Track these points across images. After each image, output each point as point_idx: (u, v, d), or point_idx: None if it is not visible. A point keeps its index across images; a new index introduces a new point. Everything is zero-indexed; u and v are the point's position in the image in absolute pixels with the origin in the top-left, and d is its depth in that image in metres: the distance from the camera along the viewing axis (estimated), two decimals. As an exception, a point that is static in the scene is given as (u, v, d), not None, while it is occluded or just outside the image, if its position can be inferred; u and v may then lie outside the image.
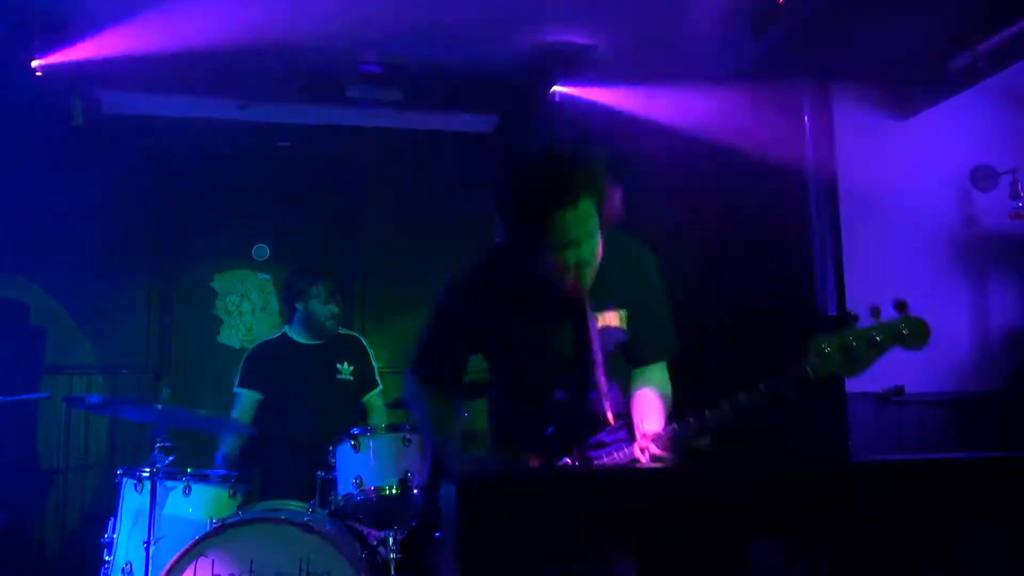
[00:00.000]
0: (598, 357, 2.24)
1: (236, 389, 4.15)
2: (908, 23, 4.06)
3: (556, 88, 5.02)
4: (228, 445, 4.04)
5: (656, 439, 2.15)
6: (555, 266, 2.13)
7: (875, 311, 1.98)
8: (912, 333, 1.98)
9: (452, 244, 5.49)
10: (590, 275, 2.18)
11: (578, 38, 4.79)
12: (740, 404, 2.04)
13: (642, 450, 2.16)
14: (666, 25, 4.55)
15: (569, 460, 2.29)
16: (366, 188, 5.54)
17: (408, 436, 3.39)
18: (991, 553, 1.58)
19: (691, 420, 2.11)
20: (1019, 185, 4.53)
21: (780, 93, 4.59)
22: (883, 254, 4.38)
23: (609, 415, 2.26)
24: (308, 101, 5.18)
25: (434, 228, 5.50)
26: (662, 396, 2.32)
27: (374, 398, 4.27)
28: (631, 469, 1.32)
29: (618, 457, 2.24)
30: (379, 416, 4.21)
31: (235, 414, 4.13)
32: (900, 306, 1.96)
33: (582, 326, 2.25)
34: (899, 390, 4.17)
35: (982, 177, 4.69)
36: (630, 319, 2.31)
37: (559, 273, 2.14)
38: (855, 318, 2.00)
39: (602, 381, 2.25)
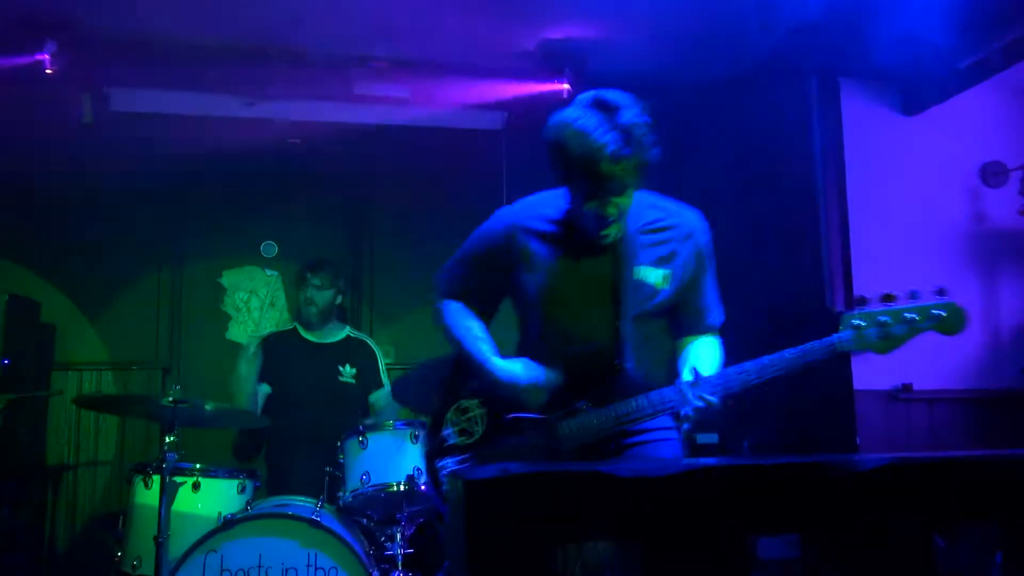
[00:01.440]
0: (626, 307, 2.24)
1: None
2: (919, 18, 4.04)
3: (566, 84, 5.01)
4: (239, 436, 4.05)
5: (704, 382, 2.12)
6: (599, 217, 2.17)
7: (913, 294, 1.98)
8: (949, 317, 1.97)
9: (459, 241, 5.50)
10: (621, 230, 2.22)
11: (588, 34, 4.79)
12: (775, 362, 2.07)
13: (681, 391, 2.13)
14: (676, 21, 4.54)
15: (584, 404, 2.24)
16: (374, 185, 5.55)
17: (416, 432, 3.40)
18: (998, 551, 1.58)
19: (734, 371, 2.12)
20: (1029, 181, 4.52)
21: (789, 88, 4.58)
22: (892, 250, 4.37)
23: (629, 365, 2.23)
24: (316, 98, 5.18)
25: (441, 225, 5.50)
26: (711, 353, 2.31)
27: (381, 399, 4.27)
28: (637, 467, 1.33)
29: (647, 403, 2.18)
30: (384, 414, 4.20)
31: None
32: (941, 292, 1.97)
33: (615, 275, 2.27)
34: (907, 387, 4.16)
35: (992, 173, 4.67)
36: (672, 280, 2.29)
37: (602, 221, 2.19)
38: (892, 298, 2.00)
39: (627, 330, 2.24)
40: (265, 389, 4.13)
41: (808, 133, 4.50)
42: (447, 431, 2.38)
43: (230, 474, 3.52)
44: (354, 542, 3.19)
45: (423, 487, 3.27)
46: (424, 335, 5.28)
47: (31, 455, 4.80)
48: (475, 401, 2.37)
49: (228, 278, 5.36)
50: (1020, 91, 4.78)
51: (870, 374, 4.17)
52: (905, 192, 4.57)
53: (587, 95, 2.19)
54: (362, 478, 3.30)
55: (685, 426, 2.28)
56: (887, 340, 2.00)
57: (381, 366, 4.29)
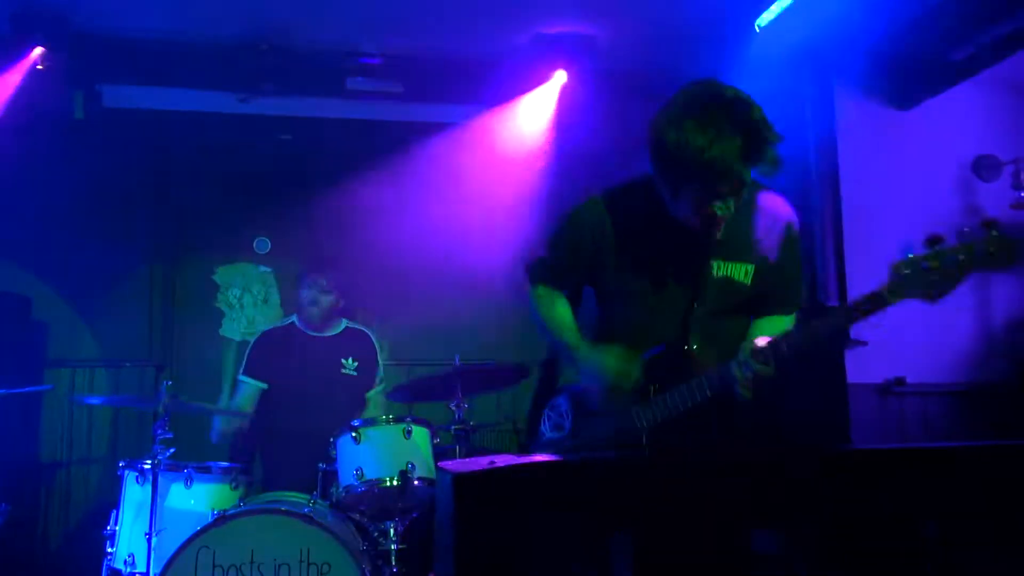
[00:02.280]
0: (705, 298, 2.26)
1: (241, 377, 4.16)
2: (910, 12, 4.04)
3: (557, 79, 5.02)
4: (220, 422, 4.03)
5: (756, 352, 2.08)
6: (702, 214, 2.15)
7: (961, 233, 1.87)
8: (999, 252, 1.83)
9: (455, 237, 5.49)
10: (723, 227, 2.21)
11: (582, 30, 4.78)
12: (823, 324, 2.05)
13: (741, 364, 2.10)
14: (667, 17, 4.54)
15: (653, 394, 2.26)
16: (367, 181, 5.53)
17: (408, 428, 3.39)
18: (988, 541, 1.58)
19: (784, 337, 2.10)
20: (1021, 175, 4.53)
21: (782, 83, 4.58)
22: (885, 244, 4.38)
23: (698, 350, 2.25)
24: (308, 94, 5.18)
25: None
26: (774, 328, 2.26)
27: (376, 395, 4.27)
28: (626, 459, 1.33)
29: (705, 382, 2.17)
30: (376, 411, 4.19)
31: (235, 402, 4.14)
32: (989, 224, 1.84)
33: (700, 271, 2.27)
34: (900, 381, 4.17)
35: (984, 167, 4.68)
36: (757, 273, 2.29)
37: (702, 220, 2.17)
38: (940, 239, 1.89)
39: (700, 319, 2.27)
40: (258, 385, 4.12)
41: (801, 127, 4.50)
42: (544, 427, 2.46)
43: (223, 470, 3.51)
44: (347, 538, 3.19)
45: (416, 482, 3.27)
46: (419, 334, 5.27)
47: (24, 452, 4.79)
48: (564, 396, 2.44)
49: (221, 275, 5.34)
50: (1012, 85, 4.79)
51: (863, 367, 4.18)
52: (898, 186, 4.58)
53: (696, 88, 2.12)
54: (355, 473, 3.30)
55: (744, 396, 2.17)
56: (933, 285, 1.90)
57: (380, 360, 4.29)
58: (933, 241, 1.90)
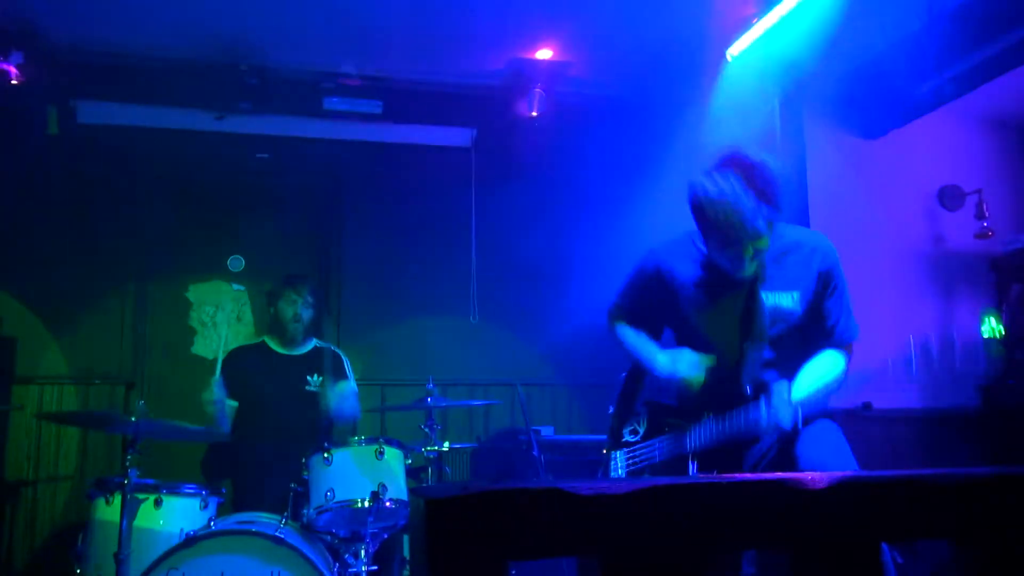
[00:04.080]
0: (758, 331, 2.51)
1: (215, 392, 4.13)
2: (878, 45, 4.14)
3: (534, 104, 5.07)
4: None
5: (784, 406, 2.35)
6: (736, 260, 2.43)
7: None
8: None
9: (428, 257, 5.52)
10: (760, 264, 2.48)
11: (557, 55, 4.85)
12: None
13: (767, 413, 2.37)
14: (640, 45, 4.62)
15: (706, 419, 2.56)
16: (343, 201, 5.55)
17: (380, 450, 3.39)
18: (954, 568, 1.62)
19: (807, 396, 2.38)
20: (984, 205, 4.64)
21: (753, 111, 4.66)
22: (851, 271, 4.44)
23: (748, 387, 2.48)
24: (286, 112, 5.19)
25: (410, 241, 5.52)
26: (821, 371, 2.49)
27: (341, 390, 4.21)
28: (597, 483, 1.35)
29: (749, 415, 2.41)
30: (344, 402, 4.11)
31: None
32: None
33: (749, 303, 2.52)
34: (867, 406, 4.23)
35: (949, 197, 4.79)
36: (803, 298, 2.52)
37: (739, 263, 2.44)
38: None
39: (751, 353, 2.52)
40: (232, 404, 4.10)
41: (771, 154, 4.57)
42: (625, 429, 2.82)
43: (193, 490, 3.48)
44: (318, 559, 3.17)
45: (388, 504, 3.27)
46: (392, 351, 5.28)
47: (-11, 470, 4.72)
48: (643, 403, 2.81)
49: (194, 292, 5.32)
50: (976, 118, 4.91)
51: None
52: (865, 214, 4.66)
53: (725, 154, 2.41)
54: (326, 495, 3.29)
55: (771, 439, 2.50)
56: None
57: (348, 368, 4.24)
58: None
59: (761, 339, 2.52)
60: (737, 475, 2.45)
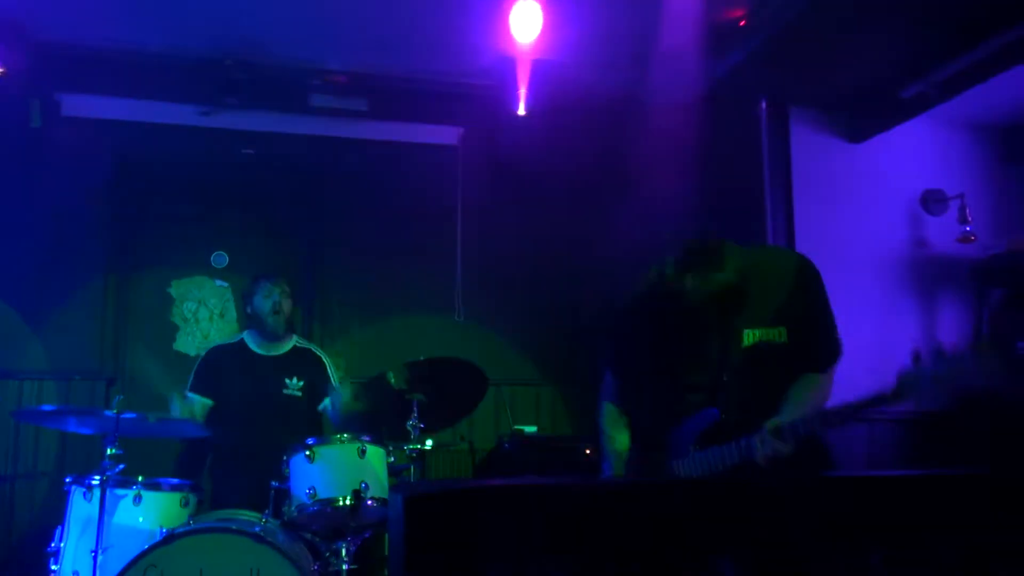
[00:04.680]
0: (730, 360, 2.47)
1: (188, 393, 4.11)
2: (863, 51, 4.16)
3: (521, 102, 5.06)
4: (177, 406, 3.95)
5: (776, 431, 2.29)
6: (698, 298, 2.46)
7: (960, 350, 2.15)
8: (989, 364, 2.12)
9: (413, 255, 5.51)
10: (720, 294, 2.48)
11: (544, 54, 4.84)
12: (835, 414, 2.30)
13: (761, 442, 2.30)
14: (628, 46, 4.62)
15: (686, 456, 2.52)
16: (329, 198, 5.53)
17: (363, 448, 3.38)
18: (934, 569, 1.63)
19: (800, 419, 2.31)
20: (967, 209, 4.67)
21: (739, 114, 4.68)
22: (835, 274, 4.46)
23: (730, 414, 2.46)
24: (272, 109, 5.17)
25: (396, 239, 5.51)
26: (804, 397, 2.44)
27: (329, 404, 4.21)
28: (580, 484, 1.34)
29: (734, 450, 2.38)
30: (336, 419, 4.12)
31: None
32: (983, 347, 2.13)
33: (719, 331, 2.50)
34: (849, 408, 4.24)
35: (932, 201, 4.82)
36: (790, 332, 2.46)
37: (701, 302, 2.48)
38: (944, 353, 2.17)
39: (730, 385, 2.48)
40: (205, 402, 4.07)
41: (757, 158, 4.60)
42: (605, 464, 2.76)
43: (173, 487, 3.45)
44: (298, 558, 3.16)
45: (370, 502, 3.26)
46: (374, 350, 5.26)
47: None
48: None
49: (177, 288, 5.28)
50: (960, 122, 4.95)
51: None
52: (849, 217, 4.69)
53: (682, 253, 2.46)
54: (308, 492, 3.27)
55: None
56: (932, 396, 2.21)
57: (331, 373, 4.22)
58: (937, 356, 2.16)
59: (734, 370, 2.47)
60: (720, 476, 2.48)
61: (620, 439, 2.76)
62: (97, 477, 3.27)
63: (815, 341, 2.50)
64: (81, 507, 3.35)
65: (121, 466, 3.28)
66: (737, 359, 2.47)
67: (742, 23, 4.37)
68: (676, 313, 2.57)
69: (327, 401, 4.15)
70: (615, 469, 2.70)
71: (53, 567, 3.30)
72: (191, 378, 4.14)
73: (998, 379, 2.16)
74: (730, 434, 2.41)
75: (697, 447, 2.48)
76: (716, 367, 2.50)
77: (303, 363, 4.17)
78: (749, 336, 2.45)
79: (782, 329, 2.45)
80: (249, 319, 4.19)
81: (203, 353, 4.25)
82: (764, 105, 4.59)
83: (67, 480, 3.44)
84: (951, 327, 4.73)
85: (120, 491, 3.33)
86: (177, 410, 3.89)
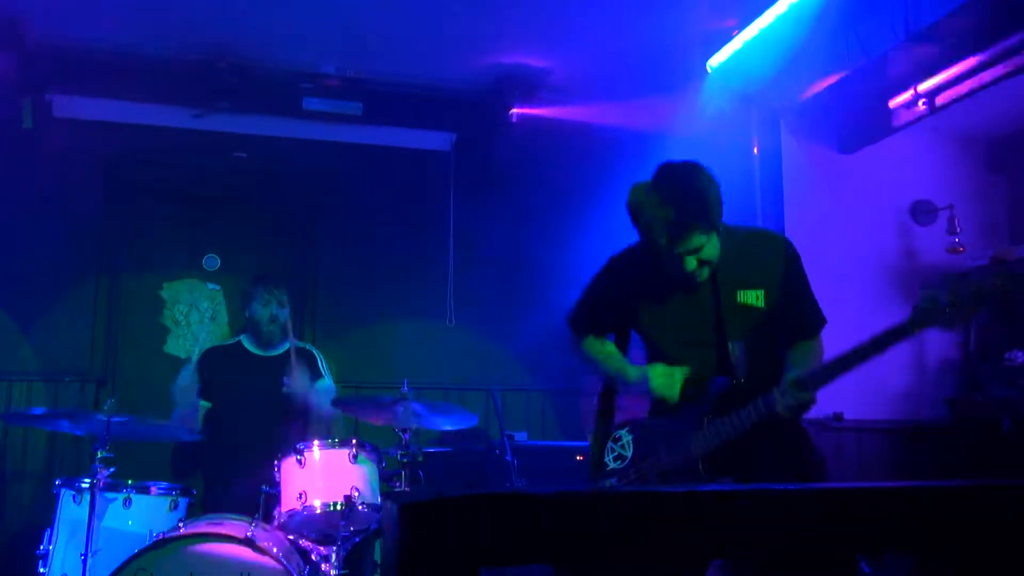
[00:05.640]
0: (733, 329, 2.52)
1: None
2: (853, 62, 4.20)
3: (514, 109, 5.09)
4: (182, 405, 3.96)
5: (798, 382, 2.31)
6: (681, 268, 2.48)
7: (975, 271, 2.15)
8: (1006, 287, 2.13)
9: (405, 260, 5.52)
10: (710, 269, 2.52)
11: (535, 61, 4.86)
12: (855, 355, 2.27)
13: (783, 393, 2.31)
14: (620, 54, 4.64)
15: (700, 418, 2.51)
16: (321, 202, 5.53)
17: (354, 453, 3.38)
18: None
19: (820, 367, 2.33)
20: (956, 221, 4.71)
21: (731, 122, 4.70)
22: (824, 283, 4.49)
23: (742, 379, 2.48)
24: (265, 112, 5.16)
25: (388, 244, 5.51)
26: (807, 358, 2.50)
27: (321, 390, 4.18)
28: (580, 493, 1.35)
29: (752, 409, 2.39)
30: (332, 429, 4.12)
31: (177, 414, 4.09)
32: (998, 261, 2.15)
33: (717, 304, 2.54)
34: (838, 416, 4.28)
35: (921, 212, 4.86)
36: (768, 296, 2.53)
37: (687, 275, 2.50)
38: (955, 279, 2.19)
39: (736, 350, 2.51)
40: (204, 404, 4.07)
41: (749, 166, 4.63)
42: (608, 457, 2.70)
43: (163, 491, 3.45)
44: (288, 562, 3.16)
45: (361, 507, 3.26)
46: (368, 353, 5.27)
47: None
48: (625, 430, 2.70)
49: (168, 290, 5.27)
50: (949, 134, 4.99)
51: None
52: (839, 227, 4.72)
53: (658, 168, 2.48)
54: (299, 497, 3.28)
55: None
56: (950, 318, 2.17)
57: (323, 367, 4.22)
58: (950, 280, 2.18)
59: (736, 337, 2.52)
60: (707, 484, 2.49)
61: (615, 354, 2.76)
62: (87, 480, 3.26)
63: (801, 309, 2.60)
64: (70, 510, 3.35)
65: (111, 469, 3.28)
66: (735, 322, 2.52)
67: (735, 32, 4.40)
68: (670, 280, 2.58)
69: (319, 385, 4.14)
70: (629, 374, 2.66)
71: (41, 570, 3.30)
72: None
73: (1012, 300, 2.18)
74: (743, 398, 2.43)
75: (710, 417, 2.48)
76: (714, 329, 2.55)
77: (300, 362, 4.18)
78: (736, 297, 2.54)
79: (760, 292, 2.54)
80: (247, 321, 4.19)
81: (197, 356, 4.24)
82: (755, 115, 4.62)
83: (56, 483, 3.44)
84: (938, 337, 4.76)
85: (110, 494, 3.33)
86: (187, 377, 3.93)
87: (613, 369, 2.74)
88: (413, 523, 1.23)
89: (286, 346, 4.20)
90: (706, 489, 1.52)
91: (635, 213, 2.48)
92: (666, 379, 2.53)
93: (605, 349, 2.81)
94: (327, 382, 4.18)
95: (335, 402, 3.98)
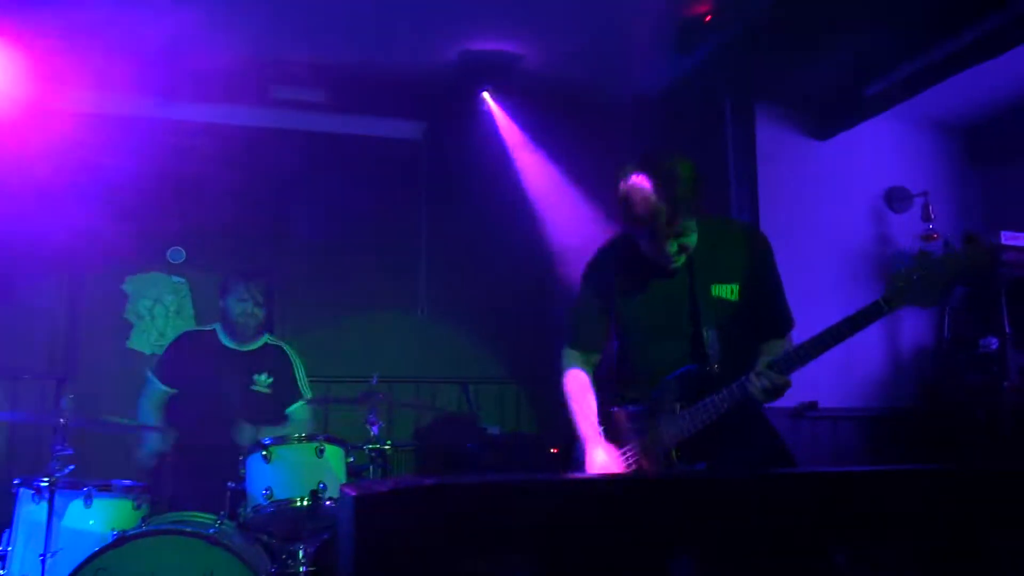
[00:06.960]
0: (707, 319, 2.54)
1: (149, 374, 4.01)
2: (828, 49, 4.17)
3: (485, 94, 5.02)
4: (154, 441, 3.87)
5: (773, 364, 2.33)
6: (662, 251, 2.51)
7: (947, 244, 2.17)
8: (978, 260, 2.14)
9: (375, 251, 5.43)
10: (687, 256, 2.56)
11: (509, 47, 4.79)
12: (830, 335, 2.27)
13: (758, 375, 2.33)
14: (594, 40, 4.58)
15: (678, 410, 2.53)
16: (288, 192, 5.43)
17: (321, 447, 3.30)
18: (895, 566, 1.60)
19: (794, 349, 2.34)
20: (930, 207, 4.70)
21: (704, 110, 4.67)
22: (799, 270, 4.48)
23: (716, 366, 2.51)
24: (230, 100, 5.05)
25: (357, 235, 5.43)
26: (780, 351, 2.47)
27: (298, 410, 4.13)
28: (534, 480, 1.30)
29: (727, 394, 2.41)
30: (299, 428, 4.05)
31: (144, 400, 4.00)
32: (970, 236, 2.14)
33: (692, 295, 2.58)
34: (812, 405, 4.26)
35: (896, 198, 4.85)
36: (743, 291, 2.56)
37: (667, 258, 2.53)
38: (927, 254, 2.18)
39: (710, 339, 2.53)
40: (168, 390, 3.98)
41: (722, 154, 4.59)
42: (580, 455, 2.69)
43: (125, 489, 3.36)
44: (254, 560, 3.08)
45: (327, 503, 3.18)
46: (334, 347, 5.18)
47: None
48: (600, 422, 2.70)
49: (131, 284, 5.15)
50: (924, 122, 4.98)
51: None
52: (814, 213, 4.70)
53: (642, 155, 2.51)
54: (265, 493, 3.19)
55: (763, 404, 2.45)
56: (925, 294, 2.19)
57: (299, 375, 4.15)
58: (922, 255, 2.18)
59: (711, 325, 2.54)
60: (682, 470, 2.45)
61: (585, 407, 2.73)
62: (46, 479, 3.16)
63: (774, 305, 2.62)
64: (29, 510, 3.25)
65: (70, 467, 3.18)
66: (709, 312, 2.55)
67: (708, 19, 4.35)
68: (647, 268, 2.62)
69: (296, 408, 4.09)
70: (583, 431, 2.66)
71: (0, 572, 3.20)
72: (158, 360, 4.04)
73: (984, 270, 2.18)
74: (717, 385, 2.45)
75: (683, 404, 2.50)
76: (689, 317, 2.57)
77: (273, 360, 4.10)
78: (715, 290, 2.56)
79: (735, 287, 2.56)
80: (221, 312, 4.10)
81: (169, 340, 4.16)
82: (729, 101, 4.58)
83: (15, 482, 3.33)
84: (913, 324, 4.76)
85: (70, 493, 3.23)
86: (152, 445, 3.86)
87: (575, 417, 2.71)
88: (369, 515, 1.17)
89: (261, 342, 4.13)
90: (678, 475, 1.47)
91: (625, 198, 2.50)
92: (605, 465, 2.55)
93: (584, 400, 2.74)
94: (300, 406, 4.11)
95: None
